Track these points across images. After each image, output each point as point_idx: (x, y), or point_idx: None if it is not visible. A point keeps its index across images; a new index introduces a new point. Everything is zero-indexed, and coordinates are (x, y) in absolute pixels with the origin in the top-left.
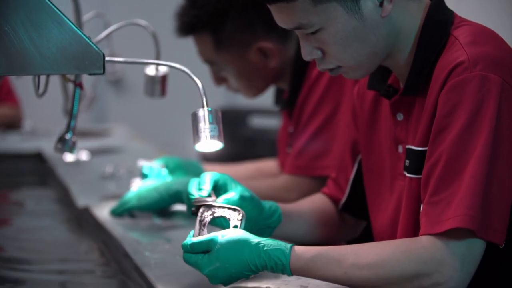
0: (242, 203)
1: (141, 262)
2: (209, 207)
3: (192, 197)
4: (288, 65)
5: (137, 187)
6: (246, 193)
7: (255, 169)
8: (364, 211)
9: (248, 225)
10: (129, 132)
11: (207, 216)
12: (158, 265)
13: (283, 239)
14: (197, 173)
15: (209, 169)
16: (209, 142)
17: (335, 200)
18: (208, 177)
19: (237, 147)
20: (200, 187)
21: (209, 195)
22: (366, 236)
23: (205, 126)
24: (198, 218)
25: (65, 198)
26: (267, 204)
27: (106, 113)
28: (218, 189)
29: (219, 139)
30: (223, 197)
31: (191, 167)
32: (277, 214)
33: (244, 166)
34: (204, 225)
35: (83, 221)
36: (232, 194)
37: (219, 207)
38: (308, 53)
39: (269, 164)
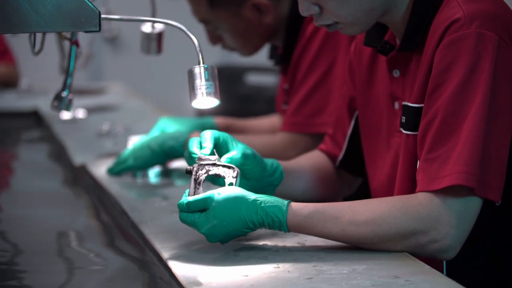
0: (245, 161)
1: (138, 220)
2: (203, 165)
3: (195, 155)
4: (283, 21)
5: (132, 144)
6: (248, 151)
7: (271, 124)
8: (361, 168)
9: (251, 184)
10: (125, 90)
11: (202, 174)
12: (155, 222)
13: (283, 197)
14: (190, 128)
15: (222, 123)
16: (206, 99)
17: (332, 157)
18: (209, 135)
19: (233, 104)
20: (201, 145)
21: (212, 153)
22: (363, 192)
23: (201, 83)
24: (193, 177)
25: (61, 156)
26: (269, 161)
27: (103, 71)
28: (219, 147)
29: (215, 96)
30: (226, 156)
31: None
32: (279, 171)
33: (264, 121)
34: (199, 183)
35: (80, 179)
36: (234, 153)
37: (213, 165)
38: (305, 9)
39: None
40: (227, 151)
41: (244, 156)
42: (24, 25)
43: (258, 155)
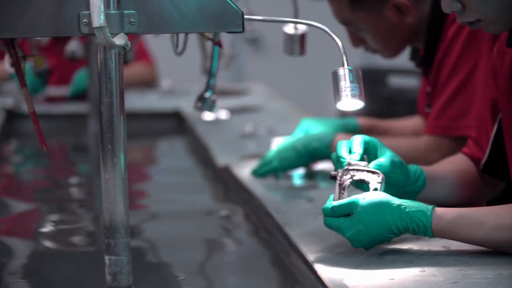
0: (392, 169)
1: (283, 221)
2: (348, 170)
3: (343, 160)
4: (424, 23)
5: (277, 146)
6: (396, 159)
7: (413, 125)
8: (505, 172)
9: (394, 191)
10: (267, 91)
11: (346, 179)
12: (300, 224)
13: (425, 202)
14: (333, 129)
15: (365, 124)
16: (350, 101)
17: (476, 160)
18: (359, 140)
19: (375, 107)
20: (351, 149)
21: (362, 159)
22: (507, 196)
23: (346, 85)
24: (337, 181)
25: (204, 157)
26: (413, 168)
27: (244, 72)
28: (368, 153)
29: (360, 98)
30: (374, 162)
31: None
32: (422, 178)
33: (406, 122)
34: (343, 188)
35: (223, 180)
36: (383, 160)
37: (358, 170)
38: (448, 6)
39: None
40: (375, 156)
41: (392, 163)
42: (167, 26)
43: (404, 163)
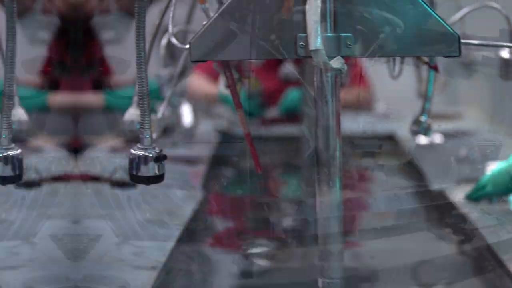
0: None
1: (497, 247)
2: None
3: None
4: None
5: (491, 170)
6: None
7: None
8: None
9: None
10: (482, 115)
11: None
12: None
13: None
14: None
15: None
16: None
17: None
18: None
19: None
20: None
21: None
22: None
23: None
24: None
25: (419, 180)
26: None
27: (458, 96)
28: None
29: None
30: None
31: None
32: None
33: None
34: None
35: (437, 203)
36: None
37: None
38: None
39: None
40: None
41: None
42: (384, 49)
43: None
